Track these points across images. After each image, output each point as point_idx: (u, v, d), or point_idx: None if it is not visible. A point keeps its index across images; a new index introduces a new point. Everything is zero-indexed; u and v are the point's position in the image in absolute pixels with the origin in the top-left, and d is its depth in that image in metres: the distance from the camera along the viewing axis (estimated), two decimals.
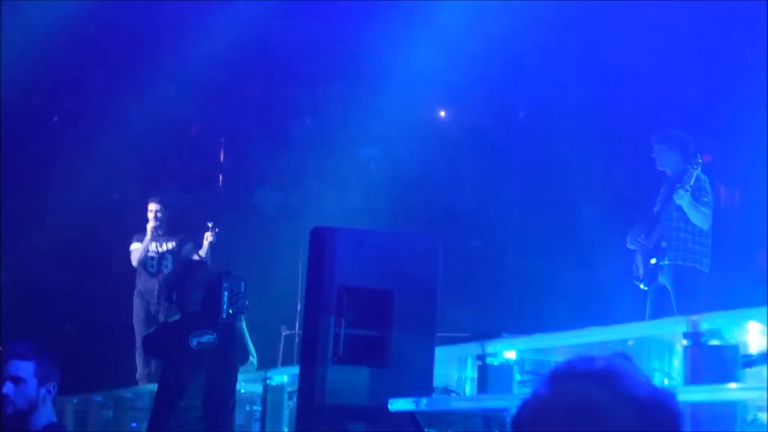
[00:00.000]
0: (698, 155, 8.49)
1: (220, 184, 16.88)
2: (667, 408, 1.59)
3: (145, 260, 11.53)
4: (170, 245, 11.58)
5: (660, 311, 8.33)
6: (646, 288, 8.57)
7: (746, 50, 12.26)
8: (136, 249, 11.62)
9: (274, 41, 16.44)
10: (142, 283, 11.61)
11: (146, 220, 11.63)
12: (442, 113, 17.08)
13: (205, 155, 16.86)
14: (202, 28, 15.91)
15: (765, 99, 11.09)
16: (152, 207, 11.65)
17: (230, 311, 7.42)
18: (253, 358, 7.58)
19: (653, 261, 8.48)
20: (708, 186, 8.46)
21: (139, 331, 11.34)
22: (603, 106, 14.34)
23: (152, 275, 11.55)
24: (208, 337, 7.38)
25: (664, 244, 8.46)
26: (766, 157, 11.05)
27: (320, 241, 6.45)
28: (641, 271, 8.57)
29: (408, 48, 15.74)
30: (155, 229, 11.55)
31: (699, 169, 8.35)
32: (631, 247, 8.74)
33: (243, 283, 7.53)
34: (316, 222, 7.37)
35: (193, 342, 7.36)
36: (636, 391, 1.59)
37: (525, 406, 1.65)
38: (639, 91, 14.07)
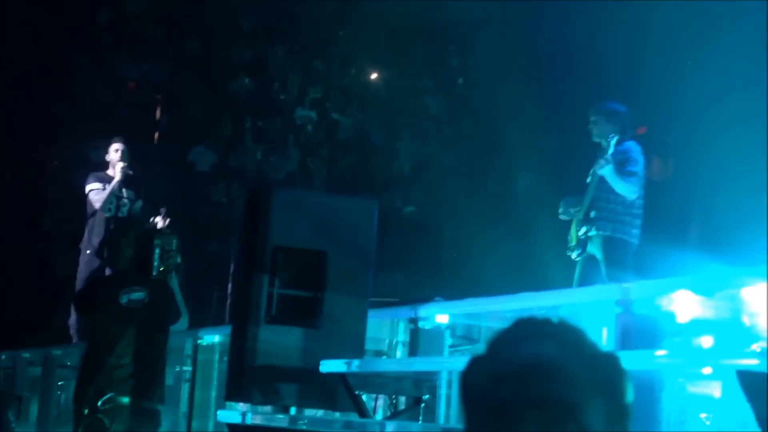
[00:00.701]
0: (618, 127, 8.47)
1: (156, 142, 16.71)
2: (617, 363, 1.62)
3: (109, 200, 10.76)
4: (130, 192, 11.00)
5: (587, 281, 8.37)
6: (578, 259, 8.61)
7: (682, 23, 12.34)
8: (98, 189, 10.80)
9: None
10: (100, 225, 10.79)
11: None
12: (375, 75, 17.00)
13: (140, 112, 16.66)
14: None
15: (701, 71, 11.18)
16: (117, 146, 10.87)
17: (161, 269, 7.35)
18: (185, 317, 7.52)
19: (583, 231, 8.51)
20: (638, 157, 8.47)
21: (79, 285, 10.81)
22: (540, 76, 14.39)
23: (109, 218, 10.84)
24: (138, 295, 7.31)
25: (593, 214, 8.48)
26: (700, 129, 11.15)
27: (256, 200, 6.41)
28: (573, 242, 8.62)
29: (347, 10, 15.67)
30: (125, 168, 10.75)
31: (616, 139, 8.36)
32: (562, 217, 8.76)
33: (175, 241, 7.46)
34: (252, 182, 7.33)
35: (123, 299, 7.29)
36: (591, 348, 1.60)
37: (477, 368, 1.61)
38: (576, 62, 14.13)
